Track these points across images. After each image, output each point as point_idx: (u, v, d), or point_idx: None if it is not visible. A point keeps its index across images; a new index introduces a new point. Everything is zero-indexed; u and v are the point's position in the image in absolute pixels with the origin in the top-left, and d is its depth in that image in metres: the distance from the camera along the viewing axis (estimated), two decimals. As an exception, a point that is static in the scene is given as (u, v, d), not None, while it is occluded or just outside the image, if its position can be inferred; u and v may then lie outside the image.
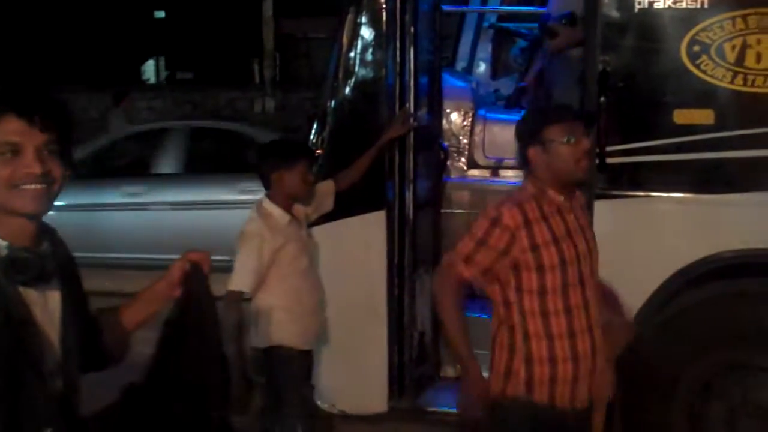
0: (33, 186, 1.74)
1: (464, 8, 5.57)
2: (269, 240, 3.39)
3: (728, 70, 3.46)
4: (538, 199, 2.72)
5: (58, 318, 1.82)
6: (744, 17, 3.44)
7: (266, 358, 3.42)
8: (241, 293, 3.38)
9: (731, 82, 3.47)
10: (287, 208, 3.49)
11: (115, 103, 11.61)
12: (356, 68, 3.98)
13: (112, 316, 2.04)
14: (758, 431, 3.55)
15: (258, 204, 3.53)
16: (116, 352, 2.05)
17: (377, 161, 3.91)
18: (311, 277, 3.59)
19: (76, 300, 1.89)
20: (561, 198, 2.74)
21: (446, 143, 4.68)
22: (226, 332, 3.32)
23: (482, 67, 5.72)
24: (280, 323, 3.43)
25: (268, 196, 3.51)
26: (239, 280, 3.38)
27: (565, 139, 2.68)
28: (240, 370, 3.23)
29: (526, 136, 2.76)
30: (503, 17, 5.97)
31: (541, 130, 2.70)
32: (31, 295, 1.77)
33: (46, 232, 1.85)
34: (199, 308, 1.98)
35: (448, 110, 4.77)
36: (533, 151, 2.72)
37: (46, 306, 1.81)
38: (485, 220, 2.69)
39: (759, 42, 3.43)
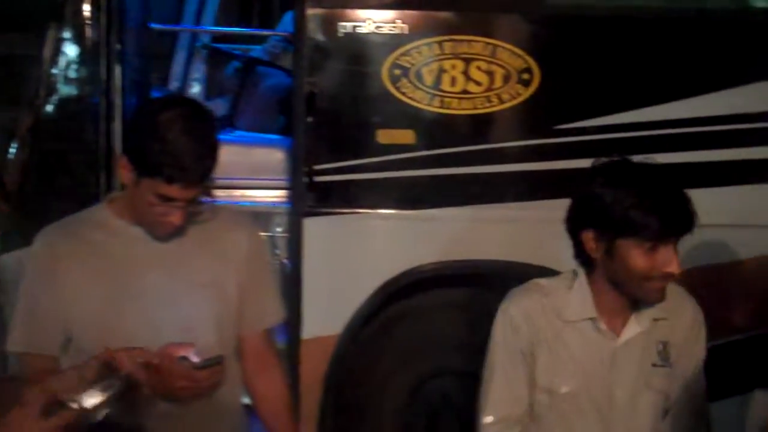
0: None
1: (173, 27, 5.50)
2: None
3: (426, 92, 3.65)
4: None
5: None
6: (440, 43, 3.64)
7: None
8: None
9: (429, 105, 3.66)
10: None
11: None
12: (59, 86, 3.83)
13: None
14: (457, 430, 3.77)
15: None
16: None
17: (84, 182, 3.77)
18: None
19: None
20: None
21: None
22: None
23: (196, 88, 5.68)
24: None
25: None
26: None
27: None
28: None
29: None
30: (218, 38, 5.97)
31: None
32: None
33: None
34: None
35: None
36: None
37: None
38: None
39: (454, 67, 3.65)
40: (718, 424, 2.78)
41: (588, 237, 2.32)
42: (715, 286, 3.66)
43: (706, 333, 2.56)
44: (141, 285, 2.20)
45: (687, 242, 2.33)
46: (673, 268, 2.23)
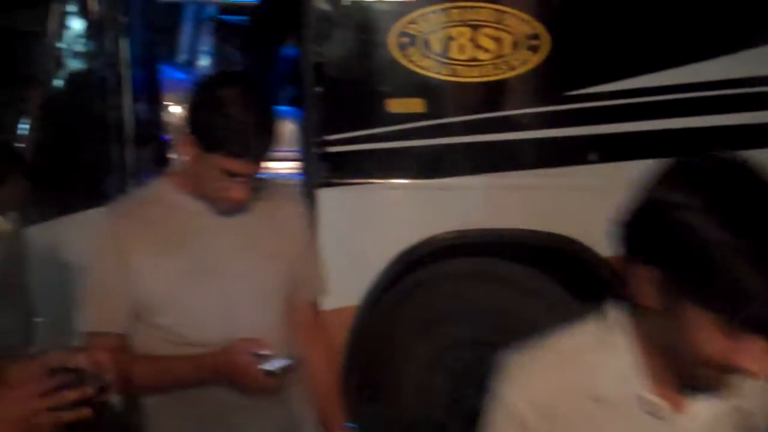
0: None
1: (177, -1, 5.48)
2: None
3: (435, 61, 3.62)
4: None
5: None
6: (446, 10, 3.61)
7: None
8: None
9: (438, 73, 3.63)
10: None
11: None
12: (66, 61, 3.81)
13: None
14: (478, 399, 3.77)
15: None
16: None
17: (97, 156, 3.78)
18: None
19: None
20: None
21: (169, 137, 4.59)
22: None
23: (205, 60, 5.66)
24: None
25: None
26: None
27: None
28: None
29: None
30: (225, 9, 5.94)
31: None
32: None
33: None
34: None
35: (169, 103, 4.68)
36: None
37: None
38: None
39: (461, 34, 3.62)
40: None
41: (644, 276, 1.34)
42: None
43: None
44: (211, 259, 2.20)
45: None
46: (759, 368, 1.28)
